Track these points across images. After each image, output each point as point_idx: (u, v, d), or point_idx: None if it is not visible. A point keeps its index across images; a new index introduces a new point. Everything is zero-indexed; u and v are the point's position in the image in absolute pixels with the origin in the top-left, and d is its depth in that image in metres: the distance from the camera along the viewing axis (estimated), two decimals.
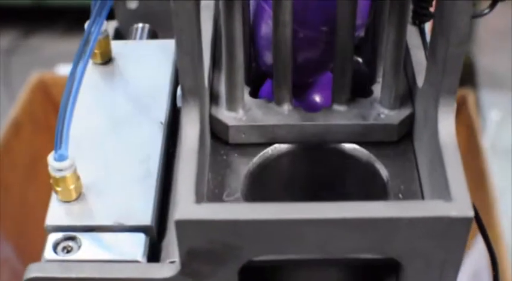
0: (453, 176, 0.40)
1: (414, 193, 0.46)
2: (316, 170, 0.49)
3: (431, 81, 0.44)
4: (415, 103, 0.47)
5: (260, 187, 0.48)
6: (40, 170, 1.45)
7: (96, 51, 0.54)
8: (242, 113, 0.48)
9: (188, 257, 0.40)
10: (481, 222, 0.51)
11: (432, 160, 0.43)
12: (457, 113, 1.49)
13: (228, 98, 0.47)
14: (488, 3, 0.50)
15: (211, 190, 0.46)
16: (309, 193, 0.50)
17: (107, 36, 0.55)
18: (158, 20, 0.63)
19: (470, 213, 0.38)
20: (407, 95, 0.48)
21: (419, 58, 0.48)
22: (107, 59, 0.55)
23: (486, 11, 0.51)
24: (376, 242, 0.40)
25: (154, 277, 0.42)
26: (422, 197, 0.45)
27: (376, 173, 0.47)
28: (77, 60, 0.44)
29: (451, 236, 0.39)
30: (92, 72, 0.55)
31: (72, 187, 0.45)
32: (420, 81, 0.46)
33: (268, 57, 0.48)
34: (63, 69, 1.56)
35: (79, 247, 0.44)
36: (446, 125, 0.43)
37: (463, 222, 0.38)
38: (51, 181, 0.46)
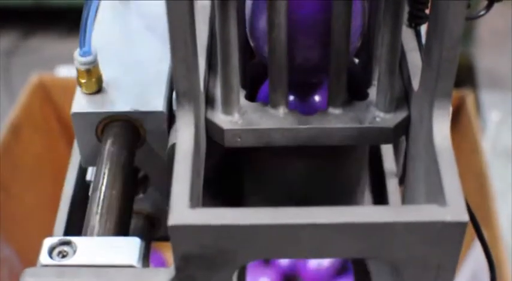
0: (448, 180, 0.40)
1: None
2: (315, 173, 0.49)
3: (426, 84, 0.44)
4: (411, 106, 0.47)
5: (256, 191, 0.48)
6: (40, 172, 1.46)
7: None
8: (238, 117, 0.47)
9: (183, 262, 0.40)
10: (477, 224, 0.51)
11: (427, 163, 0.43)
12: (457, 114, 1.49)
13: (223, 101, 0.47)
14: (485, 3, 0.50)
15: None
16: (306, 196, 0.50)
17: None
18: None
19: (465, 218, 0.38)
20: (403, 98, 0.48)
21: (415, 61, 0.48)
22: None
23: (482, 12, 0.51)
24: (371, 247, 0.40)
25: None
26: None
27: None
28: None
29: (446, 241, 0.39)
30: None
31: (94, 79, 0.50)
32: (416, 84, 0.46)
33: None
34: (63, 71, 1.56)
35: (74, 251, 0.44)
36: (442, 129, 0.43)
37: (458, 226, 0.38)
38: (76, 74, 0.50)
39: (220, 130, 0.47)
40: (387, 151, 0.61)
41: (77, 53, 0.50)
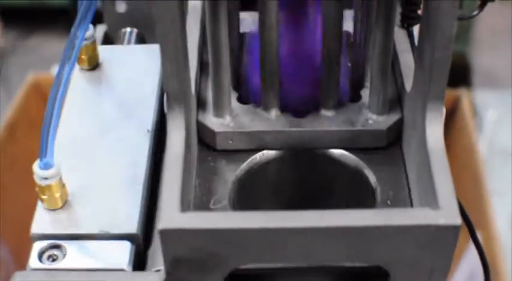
0: (441, 183, 0.40)
1: (403, 199, 0.45)
2: (305, 176, 0.49)
3: (419, 86, 0.43)
4: (404, 108, 0.47)
5: (248, 194, 0.47)
6: None
7: (83, 56, 0.54)
8: (229, 119, 0.47)
9: (173, 266, 0.40)
10: (471, 226, 0.50)
11: (420, 166, 0.43)
12: (452, 114, 1.49)
13: (215, 104, 0.47)
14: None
15: (199, 196, 0.46)
16: (298, 200, 0.50)
17: (93, 42, 0.54)
18: (147, 23, 0.63)
19: (458, 221, 0.38)
20: (396, 100, 0.48)
21: (407, 62, 0.48)
22: (94, 65, 0.55)
23: (475, 12, 0.51)
24: (363, 251, 0.39)
25: None
26: (411, 204, 0.45)
27: (364, 180, 0.47)
28: (62, 65, 0.43)
29: (438, 244, 0.39)
30: (79, 78, 0.54)
31: (57, 195, 0.46)
32: (408, 85, 0.46)
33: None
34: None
35: (64, 255, 0.44)
36: (434, 131, 0.42)
37: (451, 230, 0.38)
38: (36, 189, 0.45)
39: (212, 133, 0.47)
40: None
41: (35, 165, 0.45)
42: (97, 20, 0.65)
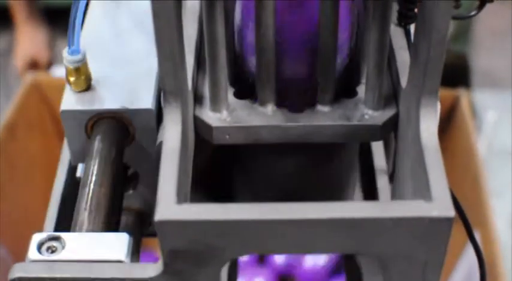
0: (434, 176, 0.40)
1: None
2: (302, 170, 0.49)
3: (414, 81, 0.44)
4: (399, 104, 0.48)
5: (245, 187, 0.48)
6: (36, 172, 1.46)
7: None
8: (226, 114, 0.48)
9: (170, 258, 0.40)
10: (468, 223, 0.51)
11: (414, 160, 0.43)
12: (451, 114, 1.49)
13: (211, 98, 0.47)
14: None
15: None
16: (294, 192, 0.51)
17: None
18: None
19: (451, 213, 0.38)
20: (391, 95, 0.49)
21: (403, 59, 0.48)
22: None
23: (474, 12, 0.51)
24: (358, 242, 0.40)
25: (137, 277, 0.42)
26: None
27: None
28: None
29: (432, 237, 0.39)
30: None
31: (83, 77, 0.51)
32: (404, 81, 0.46)
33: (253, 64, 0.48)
34: (58, 71, 1.56)
35: (63, 247, 0.44)
36: (429, 126, 0.43)
37: (444, 222, 0.39)
38: (65, 73, 0.51)
39: (209, 127, 0.47)
40: (377, 148, 0.61)
41: (65, 51, 0.50)
42: None
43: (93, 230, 0.46)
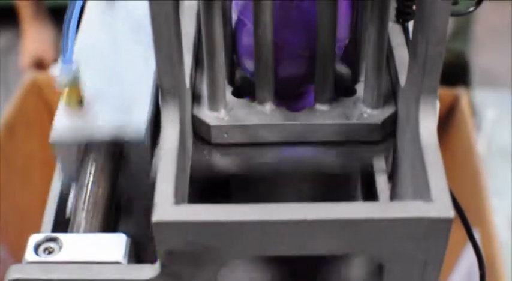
0: (433, 176, 0.40)
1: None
2: (301, 170, 0.49)
3: (413, 80, 0.43)
4: (398, 102, 0.47)
5: (243, 187, 0.48)
6: (34, 172, 1.45)
7: None
8: (224, 113, 0.47)
9: (168, 259, 0.40)
10: (467, 223, 0.50)
11: (414, 159, 0.43)
12: (451, 113, 1.48)
13: (210, 98, 0.47)
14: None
15: None
16: (293, 192, 0.50)
17: None
18: None
19: (451, 213, 0.38)
20: (390, 94, 0.48)
21: (402, 57, 0.48)
22: None
23: (471, 8, 0.51)
24: (357, 243, 0.39)
25: (135, 278, 0.42)
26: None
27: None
28: None
29: (431, 237, 0.39)
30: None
31: (75, 96, 0.49)
32: (403, 80, 0.46)
33: (250, 66, 0.47)
34: (57, 71, 1.55)
35: (60, 248, 0.44)
36: (428, 125, 0.42)
37: (443, 223, 0.38)
38: (57, 90, 0.49)
39: (207, 126, 0.47)
40: None
41: (57, 68, 0.49)
42: None
43: (90, 230, 0.45)
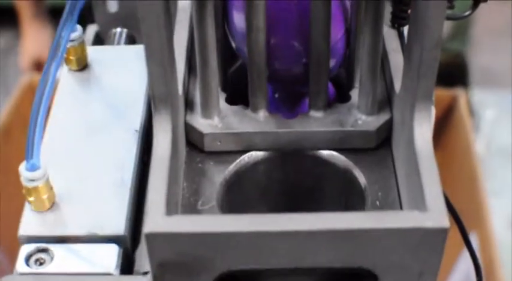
0: (428, 186, 0.39)
1: (392, 200, 0.45)
2: (294, 177, 0.48)
3: (408, 86, 0.43)
4: (393, 109, 0.47)
5: (236, 196, 0.47)
6: None
7: (71, 57, 0.54)
8: (217, 121, 0.47)
9: (160, 270, 0.39)
10: (463, 228, 0.50)
11: (409, 167, 0.43)
12: (449, 114, 1.47)
13: (203, 105, 0.46)
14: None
15: (186, 198, 0.45)
16: (287, 201, 0.50)
17: (82, 42, 0.54)
18: (138, 23, 0.62)
19: (446, 224, 0.38)
20: (385, 100, 0.48)
21: (397, 62, 0.47)
22: (82, 66, 0.54)
23: (468, 12, 0.51)
24: (351, 254, 0.39)
25: None
26: (400, 205, 0.45)
27: (353, 180, 0.46)
28: (49, 65, 0.43)
29: (426, 247, 0.38)
30: (67, 78, 0.54)
31: (45, 196, 0.45)
32: (398, 86, 0.45)
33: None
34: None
35: (52, 259, 0.43)
36: (423, 132, 0.42)
37: (439, 233, 0.38)
38: (23, 191, 0.45)
39: (200, 134, 0.46)
40: None
41: (22, 166, 0.44)
42: (89, 20, 0.65)
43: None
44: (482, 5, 0.50)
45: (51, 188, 0.45)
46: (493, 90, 1.85)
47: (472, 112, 1.58)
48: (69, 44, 0.53)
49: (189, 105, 0.48)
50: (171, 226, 0.37)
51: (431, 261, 0.39)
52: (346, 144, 0.47)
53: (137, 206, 0.47)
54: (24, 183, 0.44)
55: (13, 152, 1.39)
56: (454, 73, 1.57)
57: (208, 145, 0.47)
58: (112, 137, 0.50)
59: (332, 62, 0.46)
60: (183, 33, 0.50)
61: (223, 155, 0.47)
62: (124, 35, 0.62)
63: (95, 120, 0.51)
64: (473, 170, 1.22)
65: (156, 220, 0.38)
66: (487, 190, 1.21)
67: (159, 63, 0.40)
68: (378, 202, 0.45)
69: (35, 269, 0.43)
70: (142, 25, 0.39)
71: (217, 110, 0.47)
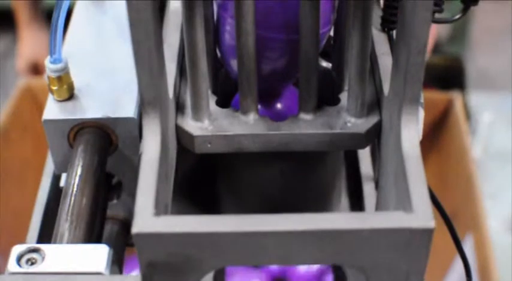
0: (415, 187, 0.40)
1: None
2: (283, 177, 0.49)
3: (395, 89, 0.43)
4: (382, 111, 0.47)
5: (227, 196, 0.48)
6: (29, 177, 1.45)
7: None
8: (208, 123, 0.47)
9: (149, 270, 0.40)
10: (454, 232, 0.50)
11: (396, 169, 0.43)
12: (445, 117, 1.47)
13: (193, 107, 0.47)
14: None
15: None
16: (277, 201, 0.50)
17: None
18: None
19: (431, 224, 0.38)
20: (374, 103, 0.48)
21: (386, 65, 0.48)
22: None
23: (457, 16, 0.51)
24: (338, 254, 0.39)
25: None
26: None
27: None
28: None
29: (413, 248, 0.39)
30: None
31: (65, 86, 0.51)
32: (386, 89, 0.46)
33: (234, 65, 0.47)
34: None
35: (43, 259, 0.44)
36: (410, 135, 0.42)
37: (424, 233, 0.38)
38: (47, 82, 0.51)
39: (190, 136, 0.47)
40: (364, 155, 0.61)
41: (47, 60, 0.50)
42: None
43: (73, 242, 0.45)
44: (480, 6, 0.51)
45: (71, 80, 0.51)
46: (490, 93, 1.86)
47: (469, 115, 1.59)
48: None
49: (180, 107, 0.48)
50: (159, 226, 0.38)
51: (417, 261, 0.39)
52: (335, 146, 0.47)
53: None
54: (49, 74, 0.50)
55: (11, 156, 1.39)
56: (451, 76, 1.58)
57: (199, 147, 0.47)
58: (126, 45, 0.52)
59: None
60: (175, 36, 0.50)
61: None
62: None
63: (110, 30, 0.57)
64: (470, 173, 1.23)
65: (144, 220, 0.38)
66: (483, 192, 1.21)
67: (148, 69, 0.40)
68: None
69: (26, 269, 0.43)
70: (131, 29, 0.39)
71: (208, 113, 0.47)
